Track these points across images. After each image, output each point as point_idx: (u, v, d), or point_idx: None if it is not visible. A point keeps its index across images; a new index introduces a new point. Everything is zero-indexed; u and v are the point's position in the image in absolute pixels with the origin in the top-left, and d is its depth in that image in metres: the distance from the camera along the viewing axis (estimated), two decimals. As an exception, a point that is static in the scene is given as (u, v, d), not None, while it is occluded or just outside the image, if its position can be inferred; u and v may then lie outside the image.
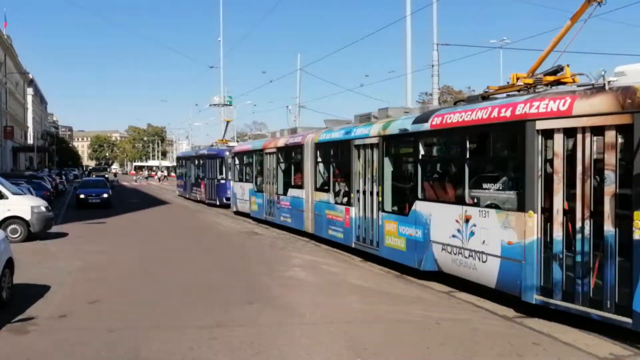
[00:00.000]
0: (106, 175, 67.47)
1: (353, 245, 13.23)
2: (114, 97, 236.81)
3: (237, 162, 24.43)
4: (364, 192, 12.64)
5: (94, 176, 56.40)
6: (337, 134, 14.32)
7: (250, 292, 9.66)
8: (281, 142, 18.47)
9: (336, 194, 14.38)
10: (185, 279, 10.81)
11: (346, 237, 13.61)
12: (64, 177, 51.56)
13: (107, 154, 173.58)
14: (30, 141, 78.13)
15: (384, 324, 7.88)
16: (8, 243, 9.30)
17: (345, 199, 13.72)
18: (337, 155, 14.63)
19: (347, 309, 8.67)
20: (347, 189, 13.70)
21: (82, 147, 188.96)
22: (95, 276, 10.97)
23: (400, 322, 7.98)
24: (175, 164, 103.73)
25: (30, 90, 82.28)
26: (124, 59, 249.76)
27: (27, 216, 15.99)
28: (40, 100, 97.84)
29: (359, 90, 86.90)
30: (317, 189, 15.50)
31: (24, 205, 16.16)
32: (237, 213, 24.39)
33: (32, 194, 20.96)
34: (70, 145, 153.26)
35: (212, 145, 33.49)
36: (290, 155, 18.05)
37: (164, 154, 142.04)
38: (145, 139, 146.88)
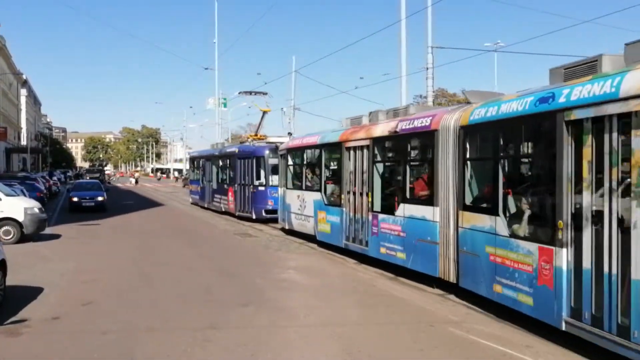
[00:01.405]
0: (100, 178, 67.13)
1: (563, 327, 6.73)
2: (108, 98, 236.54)
3: (290, 162, 18.02)
4: (596, 220, 6.33)
5: (87, 178, 55.84)
6: (515, 105, 7.89)
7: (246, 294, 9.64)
8: (381, 130, 12.18)
9: (513, 218, 8.05)
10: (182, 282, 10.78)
11: (544, 306, 7.07)
12: (56, 179, 51.03)
13: (101, 155, 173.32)
14: (23, 142, 77.84)
15: (378, 327, 7.86)
16: (0, 245, 9.25)
17: (535, 229, 7.57)
18: (512, 144, 8.65)
19: (342, 312, 8.65)
20: (540, 209, 7.67)
21: (76, 149, 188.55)
22: (89, 278, 10.91)
23: (394, 324, 7.97)
24: (171, 165, 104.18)
25: (23, 91, 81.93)
26: (118, 61, 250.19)
27: (20, 218, 15.91)
28: (34, 101, 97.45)
29: (353, 92, 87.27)
30: (466, 207, 9.16)
31: (17, 206, 16.07)
32: (289, 232, 17.99)
33: (25, 195, 20.87)
34: (64, 146, 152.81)
35: (243, 142, 27.52)
36: (404, 148, 11.64)
37: (159, 156, 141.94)
38: (139, 140, 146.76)
